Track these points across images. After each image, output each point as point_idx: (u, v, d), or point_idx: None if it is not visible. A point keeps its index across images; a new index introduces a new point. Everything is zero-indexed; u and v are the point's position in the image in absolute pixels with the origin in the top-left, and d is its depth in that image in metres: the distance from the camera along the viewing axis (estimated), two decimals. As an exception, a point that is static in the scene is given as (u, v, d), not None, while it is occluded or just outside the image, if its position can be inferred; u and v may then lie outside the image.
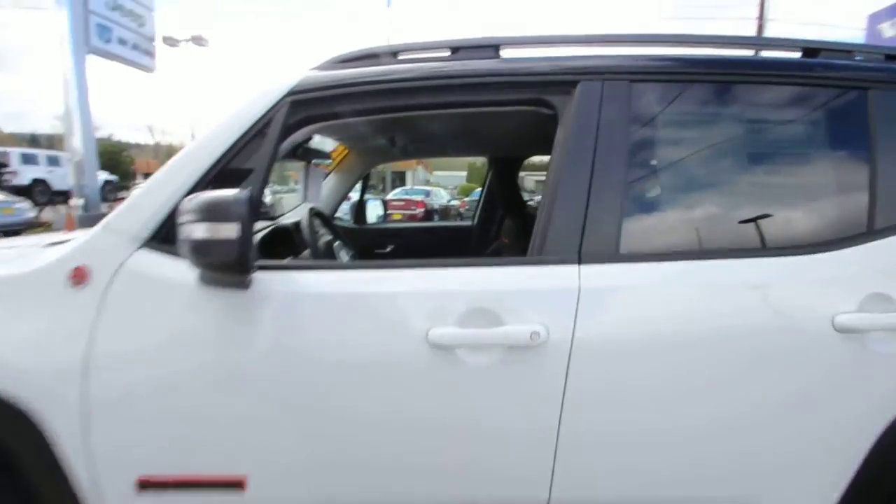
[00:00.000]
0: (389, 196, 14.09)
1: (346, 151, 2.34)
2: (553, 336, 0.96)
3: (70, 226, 11.66)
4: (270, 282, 1.02)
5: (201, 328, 1.01)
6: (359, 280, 1.03)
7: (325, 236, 1.74)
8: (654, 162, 1.10)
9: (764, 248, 1.03)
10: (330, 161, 2.05)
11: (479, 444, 1.02)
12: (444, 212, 14.03)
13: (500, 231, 2.47)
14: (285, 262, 1.10)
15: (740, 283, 1.00)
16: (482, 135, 1.93)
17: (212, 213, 0.86)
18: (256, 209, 1.03)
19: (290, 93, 1.10)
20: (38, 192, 13.73)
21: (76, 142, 6.49)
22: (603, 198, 1.03)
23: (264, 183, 1.06)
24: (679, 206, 1.08)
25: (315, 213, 1.55)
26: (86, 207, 12.81)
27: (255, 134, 1.08)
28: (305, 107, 1.11)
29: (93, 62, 6.76)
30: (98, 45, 6.85)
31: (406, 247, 2.62)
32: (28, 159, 14.23)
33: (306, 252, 1.44)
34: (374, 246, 2.60)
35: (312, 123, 1.15)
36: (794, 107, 1.11)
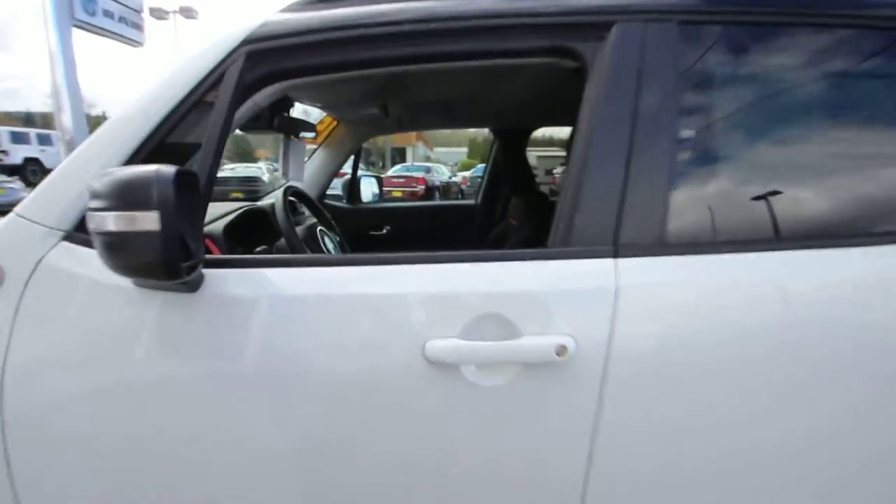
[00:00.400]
0: (389, 173, 13.77)
1: (334, 123, 2.10)
2: (584, 350, 0.76)
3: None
4: (226, 281, 0.81)
5: (139, 340, 0.80)
6: (335, 279, 0.82)
7: (306, 220, 1.53)
8: (711, 126, 0.87)
9: (854, 236, 0.81)
10: (314, 134, 1.81)
11: (488, 486, 0.83)
12: (446, 189, 13.73)
13: (506, 211, 2.25)
14: (246, 256, 0.89)
15: (825, 279, 0.78)
16: (488, 98, 1.67)
17: (126, 196, 0.64)
18: (204, 192, 0.81)
19: (247, 41, 0.87)
20: (31, 172, 13.47)
21: (66, 119, 6.24)
22: (645, 172, 0.81)
23: (216, 158, 0.83)
24: (744, 183, 0.85)
25: (293, 193, 1.33)
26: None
27: (202, 95, 0.85)
28: (266, 59, 0.87)
29: (84, 38, 6.51)
30: (83, 18, 6.53)
31: (403, 228, 2.41)
32: (18, 138, 13.91)
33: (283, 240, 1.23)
34: (368, 227, 2.39)
35: (276, 81, 0.91)
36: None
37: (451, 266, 0.81)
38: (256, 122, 1.47)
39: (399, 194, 11.87)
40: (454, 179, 15.86)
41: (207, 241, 1.09)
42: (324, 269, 0.84)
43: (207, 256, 0.85)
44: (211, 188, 0.84)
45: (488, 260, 0.81)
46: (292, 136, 1.60)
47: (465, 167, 23.85)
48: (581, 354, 0.75)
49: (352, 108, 1.80)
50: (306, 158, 1.92)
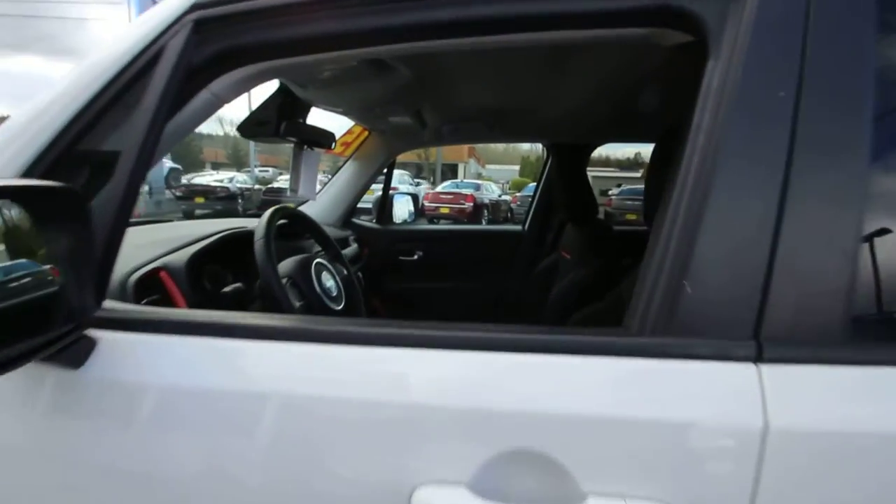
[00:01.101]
0: (438, 189, 13.63)
1: (365, 133, 1.86)
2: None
3: (135, 210, 12.34)
4: (129, 353, 0.54)
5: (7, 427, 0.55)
6: (287, 364, 0.52)
7: (311, 247, 1.27)
8: None
9: None
10: (333, 145, 1.57)
11: None
12: (494, 207, 13.37)
13: (558, 241, 1.89)
14: (170, 313, 0.62)
15: None
16: (544, 101, 1.34)
17: None
18: (116, 214, 0.55)
19: (197, 5, 0.61)
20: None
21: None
22: (816, 211, 0.46)
23: (138, 167, 0.57)
24: None
25: (287, 215, 1.07)
26: (150, 193, 13.48)
27: (129, 83, 0.60)
28: (223, 29, 0.61)
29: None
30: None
31: (437, 254, 2.11)
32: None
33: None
34: (398, 252, 2.11)
35: (242, 62, 0.65)
36: None
37: (462, 356, 0.49)
38: (260, 128, 1.23)
39: (446, 210, 11.67)
40: (504, 197, 15.46)
41: (163, 276, 0.84)
42: (277, 345, 0.55)
43: (121, 308, 0.59)
44: (129, 208, 0.58)
45: (524, 349, 0.48)
46: (305, 147, 1.35)
47: (516, 186, 23.42)
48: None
49: (379, 115, 1.54)
50: (322, 172, 1.67)
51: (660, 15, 0.55)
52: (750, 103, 0.48)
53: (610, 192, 13.48)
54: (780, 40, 0.49)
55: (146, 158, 0.58)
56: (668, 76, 0.86)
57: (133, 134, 0.58)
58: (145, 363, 0.53)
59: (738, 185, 0.47)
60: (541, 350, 0.48)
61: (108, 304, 0.60)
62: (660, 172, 0.76)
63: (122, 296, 0.74)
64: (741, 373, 0.44)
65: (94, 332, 0.54)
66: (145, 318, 0.57)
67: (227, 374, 0.52)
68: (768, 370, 0.44)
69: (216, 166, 27.63)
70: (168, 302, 0.83)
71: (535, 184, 2.33)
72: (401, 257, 2.10)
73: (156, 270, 0.83)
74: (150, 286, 0.81)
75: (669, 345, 0.46)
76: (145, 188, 13.60)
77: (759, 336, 0.45)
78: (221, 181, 12.54)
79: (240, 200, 12.05)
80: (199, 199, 11.59)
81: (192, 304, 0.86)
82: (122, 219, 0.57)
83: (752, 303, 0.45)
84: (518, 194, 15.93)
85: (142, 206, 12.28)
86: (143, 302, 0.77)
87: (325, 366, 0.51)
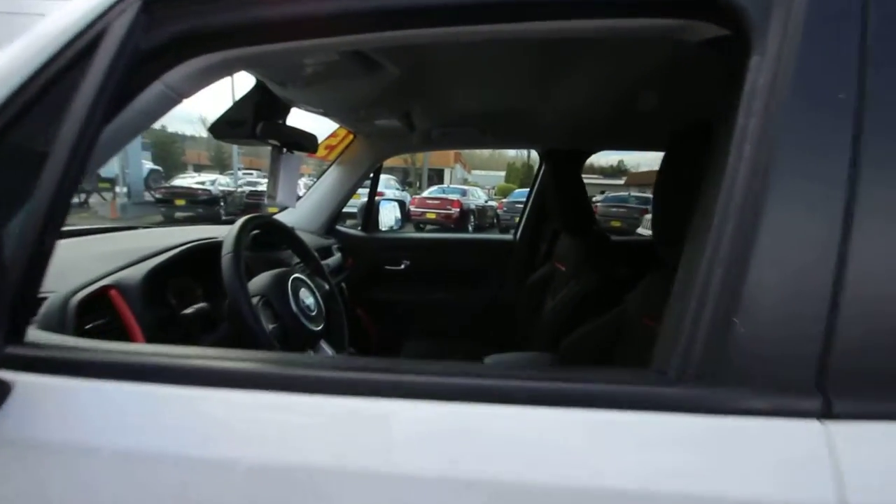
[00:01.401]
0: (425, 194, 13.55)
1: (350, 136, 1.77)
2: None
3: (113, 213, 11.93)
4: (45, 405, 0.44)
5: None
6: (244, 417, 0.43)
7: (291, 259, 1.16)
8: None
9: None
10: (315, 149, 1.47)
11: None
12: (481, 213, 13.34)
13: (551, 251, 1.82)
14: (104, 350, 0.52)
15: None
16: (544, 102, 1.26)
17: None
18: (40, 227, 0.45)
19: None
20: (85, 180, 14.03)
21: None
22: (889, 225, 0.39)
23: (70, 170, 0.48)
24: None
25: (260, 225, 0.96)
26: (129, 195, 13.09)
27: (63, 71, 0.50)
28: (178, 11, 0.52)
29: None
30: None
31: (425, 263, 2.02)
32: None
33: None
34: (384, 261, 2.02)
35: (200, 50, 0.55)
36: None
37: (459, 409, 0.40)
38: (234, 129, 1.13)
39: (433, 216, 11.59)
40: (490, 203, 15.43)
41: (113, 295, 0.74)
42: (241, 394, 0.45)
43: (49, 343, 0.48)
44: (58, 221, 0.48)
45: (539, 401, 0.40)
46: (284, 150, 1.25)
47: (502, 192, 23.49)
48: None
49: (365, 118, 1.45)
50: (303, 176, 1.57)
51: (693, 4, 0.47)
52: (805, 107, 0.41)
53: (594, 199, 13.57)
54: (837, 34, 0.42)
55: (80, 162, 0.48)
56: (681, 76, 0.79)
57: (65, 132, 0.48)
58: (73, 417, 0.43)
59: (796, 201, 0.39)
60: (561, 403, 0.39)
61: (36, 335, 0.50)
62: (677, 182, 0.69)
63: (60, 321, 0.64)
64: (804, 433, 0.36)
65: (8, 375, 0.44)
66: (77, 358, 0.47)
67: (182, 434, 0.42)
68: (838, 429, 0.36)
69: (198, 168, 27.14)
70: (118, 326, 0.72)
71: (521, 190, 2.24)
72: (387, 266, 2.01)
73: (105, 289, 0.72)
74: (97, 308, 0.71)
75: (715, 398, 0.38)
76: (123, 189, 13.25)
77: (825, 385, 0.37)
78: (203, 184, 12.26)
79: (222, 204, 11.79)
80: (180, 202, 11.30)
81: (149, 328, 0.75)
82: (50, 234, 0.47)
83: (815, 343, 0.38)
84: (504, 200, 15.93)
85: (119, 208, 11.93)
86: (87, 327, 0.67)
87: (302, 421, 0.41)
